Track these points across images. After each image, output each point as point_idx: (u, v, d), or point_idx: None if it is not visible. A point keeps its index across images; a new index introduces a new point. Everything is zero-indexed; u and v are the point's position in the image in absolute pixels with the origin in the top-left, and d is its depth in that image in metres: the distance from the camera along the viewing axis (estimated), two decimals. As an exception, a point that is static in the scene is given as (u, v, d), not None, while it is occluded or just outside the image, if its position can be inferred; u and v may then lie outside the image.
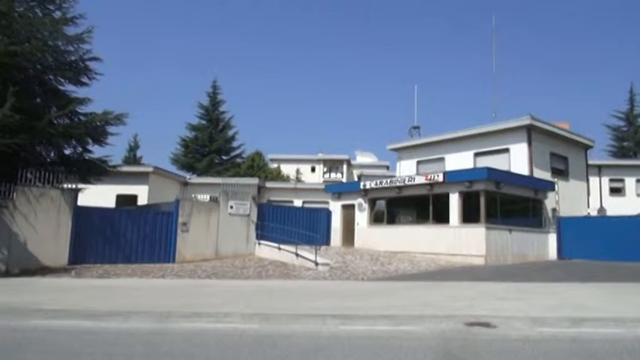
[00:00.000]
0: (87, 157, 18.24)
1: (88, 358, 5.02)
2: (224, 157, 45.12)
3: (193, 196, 20.35)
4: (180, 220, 17.87)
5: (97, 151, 18.67)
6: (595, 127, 70.41)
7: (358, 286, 12.39)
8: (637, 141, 45.28)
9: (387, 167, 50.08)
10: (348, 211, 23.88)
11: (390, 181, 21.89)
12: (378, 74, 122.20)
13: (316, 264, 16.01)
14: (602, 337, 6.01)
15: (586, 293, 10.52)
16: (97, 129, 17.64)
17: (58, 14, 17.59)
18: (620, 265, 17.07)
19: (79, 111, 17.69)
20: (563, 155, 23.86)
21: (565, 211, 21.94)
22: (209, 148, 43.96)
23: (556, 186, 21.79)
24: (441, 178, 19.48)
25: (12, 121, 14.01)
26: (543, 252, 20.64)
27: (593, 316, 7.32)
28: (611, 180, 31.32)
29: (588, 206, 25.07)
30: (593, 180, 29.09)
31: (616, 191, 31.13)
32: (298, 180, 45.03)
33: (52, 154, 18.05)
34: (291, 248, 17.60)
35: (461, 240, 18.63)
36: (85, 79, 18.10)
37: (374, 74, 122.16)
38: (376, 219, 22.83)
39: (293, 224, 21.07)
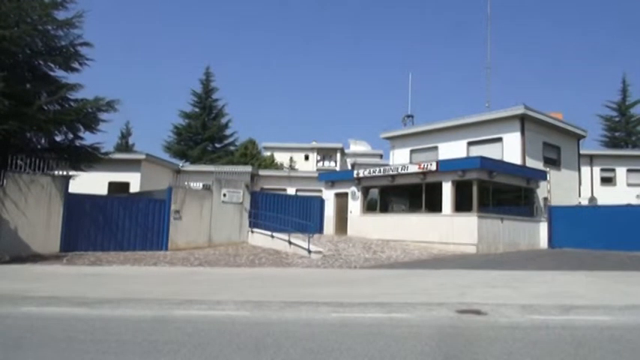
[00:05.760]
0: (78, 144, 18.10)
1: (80, 345, 5.01)
2: (217, 145, 44.85)
3: (186, 183, 20.23)
4: (173, 207, 17.81)
5: (88, 138, 18.65)
6: (587, 117, 70.77)
7: (351, 274, 12.45)
8: (628, 131, 45.61)
9: (381, 156, 50.09)
10: (342, 199, 23.91)
11: (384, 170, 21.93)
12: (371, 63, 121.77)
13: (309, 252, 16.05)
14: (591, 324, 6.08)
15: (576, 281, 10.64)
16: (88, 115, 17.48)
17: (47, -2, 17.29)
18: (610, 253, 17.28)
19: (70, 97, 17.56)
20: (556, 145, 23.97)
21: (556, 201, 22.12)
22: (202, 136, 43.69)
23: (548, 175, 21.92)
24: (434, 167, 19.51)
25: (1, 107, 13.84)
26: (534, 241, 20.83)
27: (582, 303, 7.41)
28: (602, 170, 31.53)
29: (580, 196, 25.29)
30: (585, 170, 29.30)
31: (607, 181, 31.37)
32: (292, 168, 44.99)
33: (43, 141, 17.88)
34: (285, 236, 17.61)
35: (453, 229, 18.74)
36: (75, 65, 17.90)
37: (368, 63, 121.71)
38: (369, 207, 22.88)
39: (286, 212, 21.07)
